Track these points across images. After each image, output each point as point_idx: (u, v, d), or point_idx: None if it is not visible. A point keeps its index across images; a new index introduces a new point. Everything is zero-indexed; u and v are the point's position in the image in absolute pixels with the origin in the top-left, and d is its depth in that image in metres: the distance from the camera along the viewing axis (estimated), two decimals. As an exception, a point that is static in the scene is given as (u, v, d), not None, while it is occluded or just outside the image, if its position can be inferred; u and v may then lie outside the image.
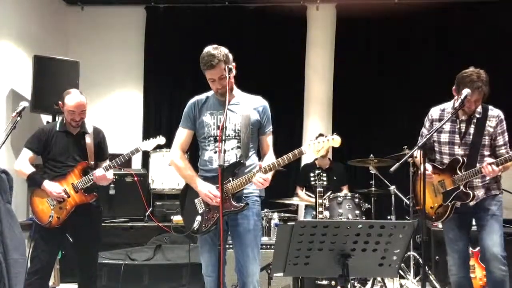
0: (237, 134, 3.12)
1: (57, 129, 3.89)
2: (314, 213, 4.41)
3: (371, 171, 5.43)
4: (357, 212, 4.76)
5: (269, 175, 3.02)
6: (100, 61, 6.94)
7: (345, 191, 5.40)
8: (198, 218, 3.10)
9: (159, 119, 7.04)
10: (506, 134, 3.46)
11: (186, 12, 7.03)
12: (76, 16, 7.08)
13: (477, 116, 3.43)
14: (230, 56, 3.10)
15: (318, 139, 3.01)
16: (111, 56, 7.07)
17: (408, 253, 5.07)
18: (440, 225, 4.98)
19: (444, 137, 3.51)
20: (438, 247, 5.02)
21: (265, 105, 3.24)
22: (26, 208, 5.47)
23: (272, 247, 4.11)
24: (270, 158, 3.17)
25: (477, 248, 4.39)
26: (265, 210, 5.17)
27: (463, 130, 3.45)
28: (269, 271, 4.17)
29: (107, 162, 3.93)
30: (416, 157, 3.49)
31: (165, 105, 7.06)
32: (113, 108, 7.06)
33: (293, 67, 6.95)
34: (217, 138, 3.06)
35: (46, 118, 6.01)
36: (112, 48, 7.08)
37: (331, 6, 6.99)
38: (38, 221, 3.78)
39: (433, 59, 6.68)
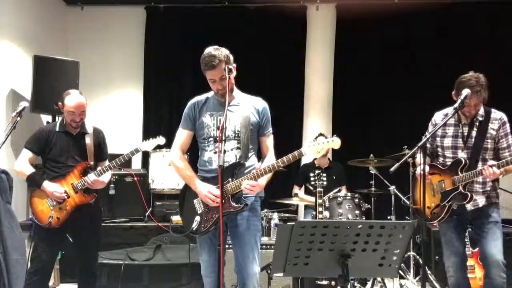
0: (236, 135, 3.11)
1: (57, 129, 3.88)
2: (314, 213, 4.41)
3: (371, 171, 5.43)
4: (357, 212, 4.76)
5: (261, 180, 3.02)
6: (100, 61, 6.95)
7: (343, 191, 5.39)
8: (197, 218, 3.10)
9: (159, 119, 7.05)
10: (510, 137, 3.44)
11: (186, 12, 7.03)
12: (76, 16, 7.08)
13: (480, 119, 3.43)
14: (231, 57, 3.10)
15: (318, 140, 3.01)
16: (111, 56, 7.07)
17: (408, 253, 5.07)
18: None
19: (447, 142, 3.51)
20: (438, 247, 5.01)
21: (265, 106, 3.23)
22: (26, 208, 5.48)
23: (272, 247, 4.12)
24: (268, 160, 3.16)
25: (477, 249, 4.39)
26: (265, 210, 5.17)
27: (465, 133, 3.45)
28: (269, 271, 4.17)
29: (107, 163, 3.93)
30: (416, 158, 3.48)
31: (165, 105, 7.06)
32: (113, 108, 7.06)
33: (293, 67, 6.96)
34: (217, 138, 3.06)
35: (46, 118, 6.01)
36: (112, 48, 7.08)
37: (331, 6, 6.99)
38: (38, 222, 3.78)
39: (433, 59, 6.68)
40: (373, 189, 5.47)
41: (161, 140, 4.08)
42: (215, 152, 3.09)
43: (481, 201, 3.44)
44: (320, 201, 4.30)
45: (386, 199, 5.45)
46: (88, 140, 3.91)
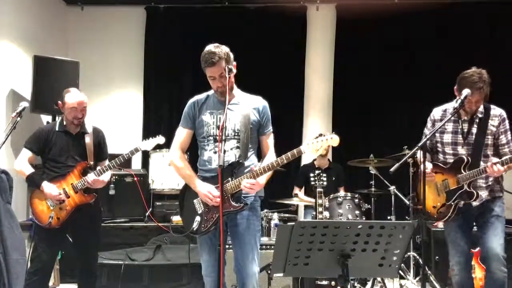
0: (236, 134, 3.11)
1: (57, 129, 3.88)
2: (314, 213, 4.41)
3: (371, 171, 5.43)
4: (357, 212, 4.76)
5: (261, 179, 3.02)
6: (100, 61, 6.95)
7: (342, 192, 5.40)
8: (197, 218, 3.10)
9: (159, 119, 7.05)
10: (509, 133, 3.46)
11: (186, 12, 7.03)
12: (76, 16, 7.08)
13: (479, 115, 3.43)
14: (231, 55, 3.10)
15: (317, 138, 3.01)
16: (111, 56, 7.08)
17: (408, 253, 5.07)
18: (440, 226, 4.99)
19: (447, 138, 3.51)
20: (438, 248, 5.02)
21: (265, 105, 3.23)
22: (26, 208, 5.48)
23: (272, 247, 4.12)
24: (268, 159, 3.16)
25: (477, 249, 4.39)
26: (265, 210, 5.17)
27: (465, 130, 3.45)
28: (269, 271, 4.17)
29: (107, 162, 3.93)
30: (416, 157, 3.48)
31: (165, 105, 7.06)
32: (113, 108, 7.06)
33: (293, 67, 6.96)
34: (217, 138, 3.06)
35: (46, 118, 6.01)
36: (112, 48, 7.09)
37: (331, 6, 6.99)
38: (38, 222, 3.78)
39: (433, 59, 6.68)
40: (373, 189, 5.47)
41: (160, 139, 4.08)
42: (215, 152, 3.09)
43: (484, 195, 3.44)
44: (320, 201, 4.30)
45: (386, 199, 5.45)
46: (88, 139, 3.90)
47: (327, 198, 4.74)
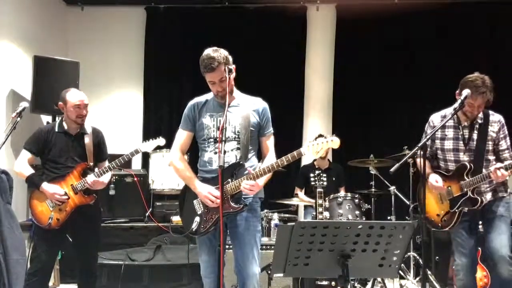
0: (236, 136, 3.11)
1: (56, 130, 3.87)
2: (314, 213, 4.41)
3: (371, 172, 5.43)
4: (357, 212, 4.76)
5: (260, 180, 3.02)
6: (100, 61, 6.95)
7: (342, 192, 5.39)
8: (197, 219, 3.10)
9: (159, 120, 7.05)
10: (508, 138, 3.47)
11: (186, 13, 7.04)
12: (76, 16, 7.08)
13: (479, 121, 3.43)
14: (230, 58, 3.10)
15: (317, 140, 3.01)
16: (111, 56, 7.08)
17: (408, 253, 5.07)
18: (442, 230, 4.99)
19: (448, 144, 3.50)
20: (438, 248, 5.01)
21: (265, 107, 3.23)
22: (26, 208, 5.47)
23: (272, 247, 4.12)
24: (268, 161, 3.16)
25: (478, 249, 4.38)
26: (265, 210, 5.17)
27: (466, 136, 3.45)
28: (269, 272, 4.17)
29: (107, 163, 3.93)
30: (417, 159, 3.48)
31: (165, 106, 7.07)
32: (113, 108, 7.06)
33: (293, 67, 6.96)
34: (217, 139, 3.06)
35: (46, 118, 6.01)
36: (112, 49, 7.09)
37: (331, 6, 7.00)
38: (38, 223, 3.76)
39: (433, 59, 6.68)
40: (373, 189, 5.47)
41: (161, 141, 4.07)
42: (215, 153, 3.09)
43: (489, 197, 3.44)
44: (320, 201, 4.29)
45: (386, 200, 5.45)
46: (88, 140, 3.89)
47: (327, 198, 4.74)
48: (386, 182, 5.36)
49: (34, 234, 3.90)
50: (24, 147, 3.85)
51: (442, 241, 4.78)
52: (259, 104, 3.22)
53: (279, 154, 3.11)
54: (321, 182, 4.29)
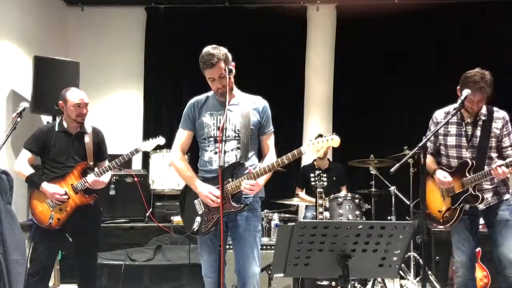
0: (237, 135, 3.11)
1: (56, 129, 3.87)
2: (314, 213, 4.41)
3: (372, 172, 5.43)
4: (357, 212, 4.75)
5: (260, 180, 3.02)
6: (100, 61, 6.95)
7: (344, 191, 5.39)
8: (198, 219, 3.10)
9: (159, 119, 7.05)
10: (511, 135, 3.45)
11: (186, 13, 7.04)
12: (76, 17, 7.09)
13: (483, 118, 3.42)
14: (230, 56, 3.10)
15: (317, 139, 3.01)
16: (112, 56, 7.08)
17: (409, 253, 5.07)
18: (440, 226, 4.98)
19: (451, 140, 3.50)
20: (438, 248, 5.02)
21: (265, 105, 3.23)
22: (26, 208, 5.47)
23: (272, 247, 4.11)
24: (268, 160, 3.16)
25: (478, 249, 4.38)
26: (265, 210, 5.17)
27: (469, 132, 3.44)
28: (269, 272, 4.17)
29: (107, 163, 3.93)
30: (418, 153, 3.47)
31: (165, 105, 7.07)
32: (113, 108, 7.07)
33: (293, 67, 6.96)
34: (217, 138, 3.06)
35: (46, 118, 6.01)
36: (113, 49, 7.09)
37: (331, 6, 7.00)
38: (38, 223, 3.76)
39: (433, 59, 6.68)
40: (373, 189, 5.47)
41: (161, 140, 4.07)
42: (216, 153, 3.09)
43: (492, 199, 3.43)
44: (320, 201, 4.29)
45: (386, 200, 5.45)
46: (88, 140, 3.89)
47: (327, 198, 4.74)
48: (386, 182, 5.36)
49: (35, 234, 3.90)
50: (24, 146, 3.85)
51: (442, 241, 4.78)
52: (259, 102, 3.22)
53: (279, 154, 3.11)
54: (321, 182, 4.29)
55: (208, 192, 3.04)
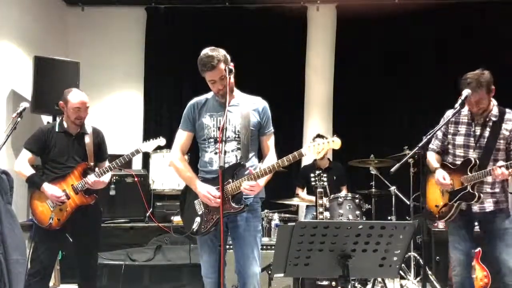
0: (237, 136, 3.11)
1: (57, 129, 3.87)
2: (315, 213, 4.41)
3: (372, 172, 5.43)
4: (357, 212, 4.76)
5: (261, 181, 3.02)
6: (100, 61, 6.95)
7: (344, 191, 5.39)
8: (198, 219, 3.10)
9: (159, 120, 7.05)
10: None
11: (186, 13, 7.03)
12: (77, 17, 7.08)
13: (493, 119, 3.39)
14: (228, 57, 3.10)
15: (317, 140, 3.01)
16: (112, 56, 7.08)
17: (409, 253, 5.07)
18: (441, 226, 4.99)
19: (459, 140, 3.49)
20: (438, 248, 5.02)
21: (265, 106, 3.23)
22: (26, 208, 5.47)
23: (273, 247, 4.11)
24: (269, 160, 3.16)
25: (478, 249, 4.39)
26: (266, 210, 5.17)
27: (478, 133, 3.42)
28: (269, 272, 4.17)
29: (107, 163, 3.93)
30: (419, 153, 3.47)
31: (165, 106, 7.07)
32: (113, 108, 7.07)
33: (293, 67, 6.96)
34: (217, 139, 3.06)
35: (46, 118, 6.01)
36: (113, 49, 7.09)
37: (331, 6, 6.99)
38: (38, 223, 3.77)
39: (433, 59, 6.68)
40: (373, 189, 5.47)
41: (161, 141, 4.07)
42: (216, 153, 3.09)
43: (488, 206, 3.41)
44: (320, 201, 4.29)
45: (386, 200, 5.45)
46: (88, 140, 3.90)
47: (327, 198, 4.74)
48: (387, 182, 5.36)
49: (35, 234, 3.90)
50: (25, 146, 3.85)
51: (442, 241, 4.77)
52: (259, 103, 3.22)
53: (279, 154, 3.11)
54: (322, 182, 4.29)
55: (207, 191, 3.03)
